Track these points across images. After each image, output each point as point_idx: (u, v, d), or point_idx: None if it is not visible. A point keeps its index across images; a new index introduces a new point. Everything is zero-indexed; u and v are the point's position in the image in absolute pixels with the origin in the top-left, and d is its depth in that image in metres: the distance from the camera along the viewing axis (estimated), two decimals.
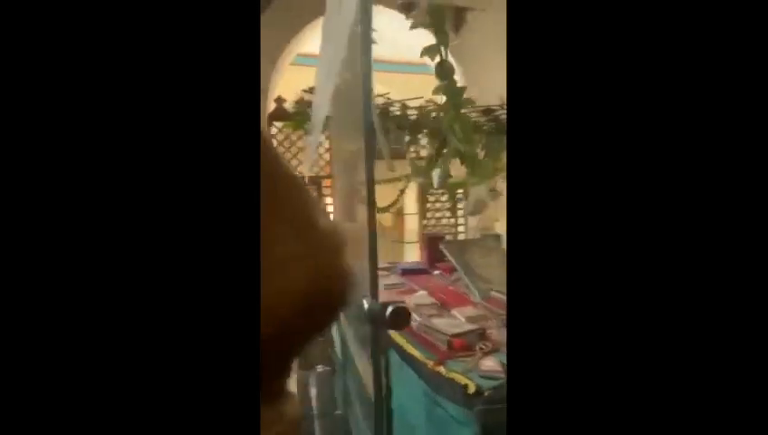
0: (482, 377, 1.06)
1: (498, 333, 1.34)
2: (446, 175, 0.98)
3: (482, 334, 1.31)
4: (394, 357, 1.48)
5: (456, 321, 1.41)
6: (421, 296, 1.75)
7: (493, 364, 1.10)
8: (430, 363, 1.18)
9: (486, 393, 0.98)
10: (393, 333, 1.48)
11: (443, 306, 1.64)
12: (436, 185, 1.03)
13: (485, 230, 3.01)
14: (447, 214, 3.54)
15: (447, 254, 2.03)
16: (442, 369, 1.14)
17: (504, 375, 1.06)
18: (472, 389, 0.99)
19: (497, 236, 2.54)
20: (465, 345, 1.22)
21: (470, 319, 1.46)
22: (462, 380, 1.05)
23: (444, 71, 1.16)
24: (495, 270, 2.00)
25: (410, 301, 1.73)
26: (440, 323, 1.37)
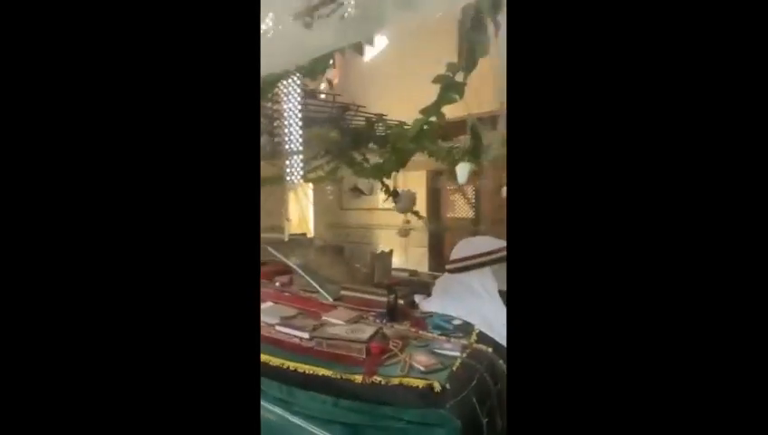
0: (425, 373, 1.06)
1: (392, 331, 1.34)
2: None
3: (383, 335, 1.28)
4: (275, 388, 1.25)
5: (351, 326, 1.32)
6: (276, 308, 1.53)
7: (425, 359, 1.11)
8: (358, 378, 1.08)
9: (448, 387, 0.99)
10: (275, 360, 1.25)
11: (309, 315, 1.49)
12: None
13: (275, 230, 2.88)
14: None
15: (280, 257, 1.85)
16: (378, 378, 1.06)
17: (441, 365, 1.09)
18: (438, 387, 0.98)
19: (304, 235, 2.49)
20: (382, 349, 1.17)
21: (351, 321, 1.40)
22: (417, 382, 1.01)
23: None
24: (330, 268, 1.96)
25: (263, 316, 1.49)
26: (339, 331, 1.25)
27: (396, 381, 1.04)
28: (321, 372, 1.14)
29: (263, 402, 1.26)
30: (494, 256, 1.39)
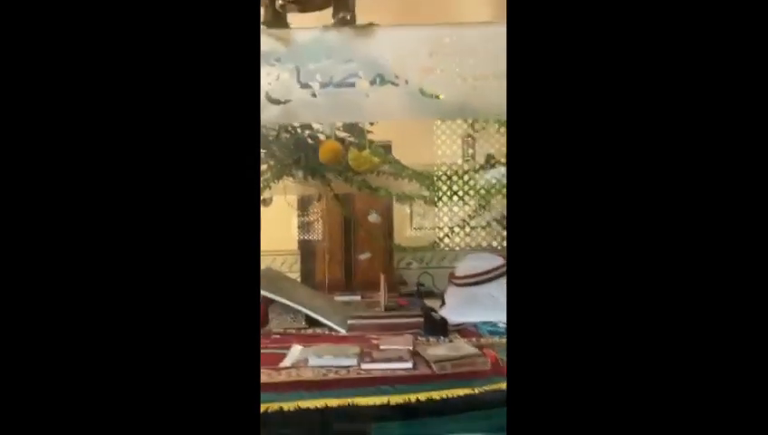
0: None
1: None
2: None
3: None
4: (396, 427, 1.16)
5: (446, 345, 1.36)
6: (324, 349, 1.33)
7: None
8: (503, 384, 1.17)
9: None
10: (396, 398, 1.15)
11: (371, 348, 1.38)
12: None
13: None
14: None
15: (272, 295, 1.54)
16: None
17: None
18: None
19: None
20: (494, 356, 1.29)
21: (409, 342, 1.41)
22: None
23: None
24: (317, 299, 1.77)
25: (315, 361, 1.28)
26: (446, 352, 1.28)
27: None
28: (463, 392, 1.17)
29: None
30: (503, 270, 1.71)
